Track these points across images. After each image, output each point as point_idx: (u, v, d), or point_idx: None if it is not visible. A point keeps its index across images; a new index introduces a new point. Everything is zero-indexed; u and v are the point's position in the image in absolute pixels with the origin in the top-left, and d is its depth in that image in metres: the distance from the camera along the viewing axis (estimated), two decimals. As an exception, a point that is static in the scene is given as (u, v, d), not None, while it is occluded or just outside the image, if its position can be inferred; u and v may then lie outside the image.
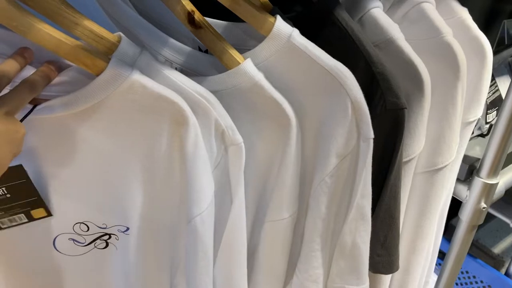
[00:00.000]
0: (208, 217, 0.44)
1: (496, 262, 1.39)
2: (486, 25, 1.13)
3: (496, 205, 1.15)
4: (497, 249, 1.42)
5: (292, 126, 0.47)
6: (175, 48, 0.51)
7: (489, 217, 1.22)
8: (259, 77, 0.46)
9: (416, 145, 0.56)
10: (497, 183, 0.74)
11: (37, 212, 0.45)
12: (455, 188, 0.77)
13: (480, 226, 1.53)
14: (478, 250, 1.42)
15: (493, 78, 0.83)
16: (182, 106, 0.40)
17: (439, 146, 0.59)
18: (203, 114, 0.42)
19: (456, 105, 0.57)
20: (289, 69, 0.48)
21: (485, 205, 0.75)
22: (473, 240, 1.44)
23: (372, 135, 0.48)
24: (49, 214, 0.45)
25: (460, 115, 0.59)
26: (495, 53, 0.88)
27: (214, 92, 0.47)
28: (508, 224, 1.17)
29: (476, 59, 0.62)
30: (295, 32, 0.47)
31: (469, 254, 1.36)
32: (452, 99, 0.57)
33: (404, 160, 0.56)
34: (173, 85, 0.41)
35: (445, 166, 0.60)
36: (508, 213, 1.15)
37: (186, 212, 0.43)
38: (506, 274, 1.19)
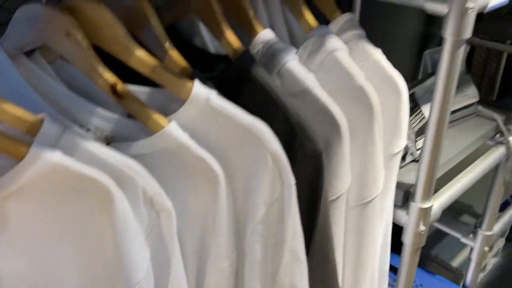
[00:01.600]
0: (146, 285, 0.45)
1: (456, 275, 1.44)
2: (418, 55, 1.20)
3: (446, 221, 1.20)
4: (456, 263, 1.47)
5: (220, 181, 0.50)
6: (104, 117, 0.53)
7: (445, 232, 1.28)
8: (184, 137, 0.50)
9: (341, 183, 0.60)
10: (431, 206, 0.79)
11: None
12: (394, 214, 0.81)
13: (437, 242, 1.59)
14: (438, 265, 1.47)
15: (419, 107, 0.89)
16: (106, 183, 0.41)
17: (365, 181, 0.63)
18: (130, 184, 0.45)
19: (375, 142, 0.62)
20: (212, 128, 0.51)
21: (423, 228, 0.79)
22: (432, 256, 1.49)
23: (293, 181, 0.51)
24: None
25: (381, 150, 0.64)
26: (420, 82, 0.95)
27: (143, 155, 0.50)
28: (462, 238, 1.23)
29: (392, 96, 0.67)
30: (212, 95, 0.50)
31: (429, 271, 1.41)
32: (370, 137, 0.62)
33: (332, 198, 0.60)
34: (98, 160, 0.43)
35: (374, 199, 0.65)
36: (458, 228, 1.20)
37: (124, 284, 0.44)
38: (464, 286, 1.24)
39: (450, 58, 0.68)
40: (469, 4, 0.63)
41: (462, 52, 0.69)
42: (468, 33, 0.66)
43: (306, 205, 0.55)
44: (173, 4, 0.65)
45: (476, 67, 2.01)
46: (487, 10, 0.67)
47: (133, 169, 0.45)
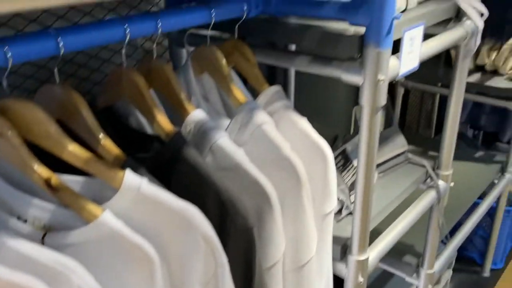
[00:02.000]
0: None
1: (407, 312, 1.48)
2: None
3: (390, 262, 1.26)
4: (406, 300, 1.52)
5: (155, 264, 0.53)
6: (40, 207, 0.55)
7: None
8: (119, 225, 0.52)
9: (275, 251, 0.64)
10: (368, 258, 0.84)
11: None
12: (335, 267, 0.85)
13: (387, 280, 1.63)
14: (390, 305, 1.51)
15: (350, 162, 0.95)
16: None
17: (298, 247, 0.67)
18: (65, 281, 0.46)
19: (304, 208, 0.66)
20: (145, 214, 0.54)
21: (362, 279, 0.84)
22: (383, 297, 1.54)
23: (226, 259, 0.55)
24: None
25: (311, 214, 0.68)
26: (350, 138, 1.01)
27: (80, 244, 0.52)
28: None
29: (319, 161, 0.72)
30: (144, 184, 0.53)
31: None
32: (300, 204, 0.66)
33: (268, 265, 0.63)
34: (30, 261, 0.45)
35: (308, 262, 0.68)
36: (402, 268, 1.25)
37: None
38: (414, 325, 1.28)
39: (368, 122, 0.74)
40: (380, 77, 0.70)
41: (380, 115, 0.75)
42: (382, 100, 0.73)
43: (242, 276, 0.59)
44: (107, 89, 0.68)
45: (413, 107, 2.15)
46: (397, 79, 0.75)
47: (66, 266, 0.47)
